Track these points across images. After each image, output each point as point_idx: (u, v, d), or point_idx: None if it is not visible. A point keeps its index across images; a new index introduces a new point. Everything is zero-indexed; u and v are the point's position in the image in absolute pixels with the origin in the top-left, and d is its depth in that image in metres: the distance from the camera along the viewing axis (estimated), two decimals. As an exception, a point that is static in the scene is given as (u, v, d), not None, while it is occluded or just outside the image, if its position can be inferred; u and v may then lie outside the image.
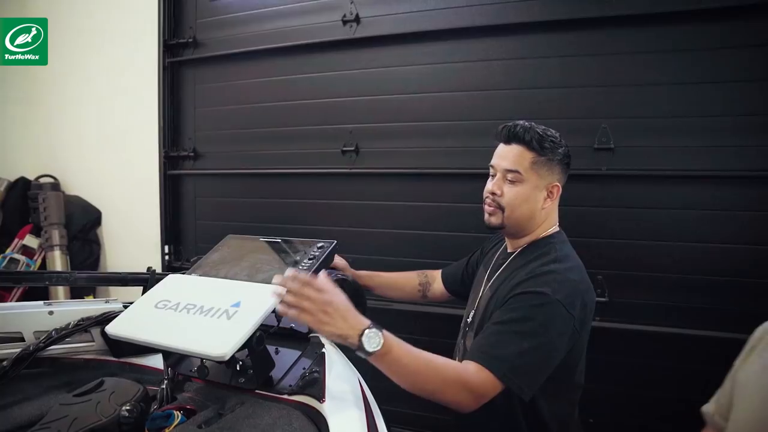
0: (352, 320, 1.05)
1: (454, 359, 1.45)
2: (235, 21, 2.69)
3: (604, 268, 2.04)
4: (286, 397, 1.13)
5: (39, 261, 3.11)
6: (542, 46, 2.15)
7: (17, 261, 3.04)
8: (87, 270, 3.09)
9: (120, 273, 1.41)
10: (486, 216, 1.42)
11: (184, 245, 2.91)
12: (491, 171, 1.42)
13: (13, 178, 3.29)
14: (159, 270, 2.65)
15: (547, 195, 1.36)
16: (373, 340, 1.05)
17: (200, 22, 2.78)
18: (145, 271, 1.48)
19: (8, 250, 3.06)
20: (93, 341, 1.35)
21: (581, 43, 2.09)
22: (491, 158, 1.43)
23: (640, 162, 2.02)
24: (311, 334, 1.26)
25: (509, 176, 1.35)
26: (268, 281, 1.16)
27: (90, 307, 1.33)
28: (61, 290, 2.97)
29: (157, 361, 1.33)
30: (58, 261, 3.07)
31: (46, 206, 3.07)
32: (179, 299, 1.13)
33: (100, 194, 3.25)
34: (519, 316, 1.20)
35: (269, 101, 2.63)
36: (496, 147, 1.43)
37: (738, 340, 1.05)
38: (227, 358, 0.95)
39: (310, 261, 1.20)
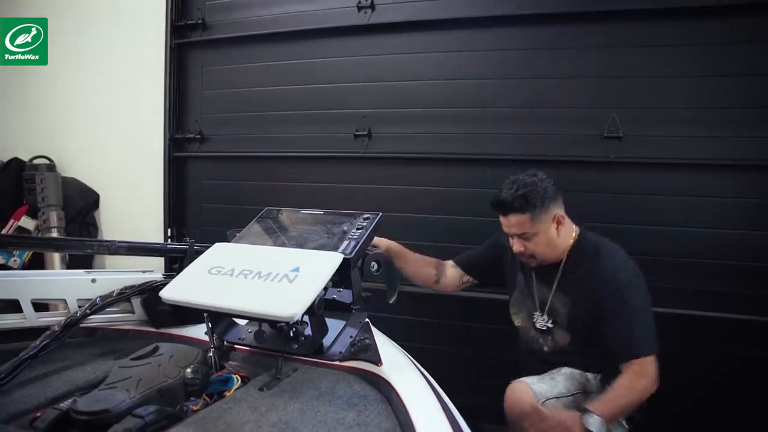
0: (570, 419, 1.37)
1: (536, 356, 1.69)
2: (245, 3, 2.68)
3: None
4: (338, 363, 1.15)
5: (36, 243, 3.02)
6: (555, 37, 2.22)
7: (14, 243, 2.94)
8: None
9: (159, 243, 1.41)
10: (525, 263, 1.68)
11: (187, 228, 2.88)
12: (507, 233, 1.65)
13: (5, 158, 3.21)
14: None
15: (557, 225, 1.61)
16: (593, 421, 1.34)
17: (209, 4, 2.75)
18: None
19: (3, 232, 2.97)
20: (133, 312, 1.35)
21: (593, 35, 2.17)
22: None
23: (646, 150, 2.11)
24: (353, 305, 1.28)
25: (522, 237, 1.61)
26: (321, 249, 1.18)
27: (130, 276, 1.33)
28: (57, 261, 2.92)
29: (197, 332, 1.34)
30: (55, 243, 2.99)
31: (43, 187, 2.99)
32: (233, 265, 1.13)
33: (98, 177, 3.19)
34: (631, 305, 1.52)
35: (279, 85, 2.63)
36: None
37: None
38: (296, 318, 0.98)
39: (359, 231, 1.22)
